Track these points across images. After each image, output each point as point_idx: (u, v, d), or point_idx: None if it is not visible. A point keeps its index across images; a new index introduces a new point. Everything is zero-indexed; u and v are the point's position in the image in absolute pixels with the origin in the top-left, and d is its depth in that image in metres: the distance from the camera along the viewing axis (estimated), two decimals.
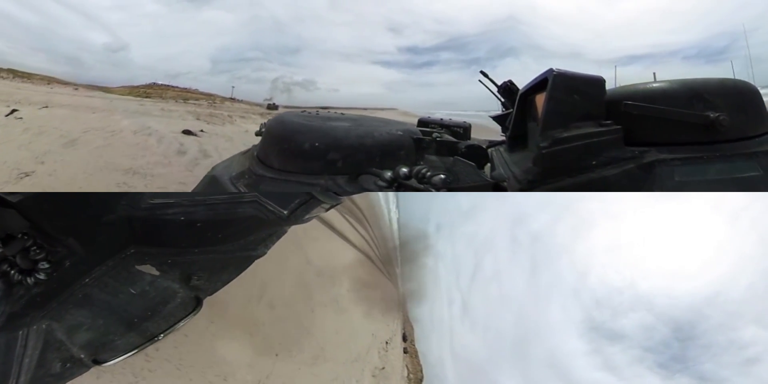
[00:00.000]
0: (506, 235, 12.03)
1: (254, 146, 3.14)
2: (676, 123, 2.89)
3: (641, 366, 10.70)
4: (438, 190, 2.28)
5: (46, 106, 17.67)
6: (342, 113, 3.23)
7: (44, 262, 2.29)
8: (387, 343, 10.49)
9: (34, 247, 2.25)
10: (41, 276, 2.31)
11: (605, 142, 2.86)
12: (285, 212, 2.59)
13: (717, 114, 2.84)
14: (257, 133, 3.31)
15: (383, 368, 9.82)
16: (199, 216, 2.60)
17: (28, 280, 2.30)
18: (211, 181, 3.07)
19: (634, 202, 10.48)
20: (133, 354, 2.59)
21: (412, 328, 12.31)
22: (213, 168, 3.31)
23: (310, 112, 3.17)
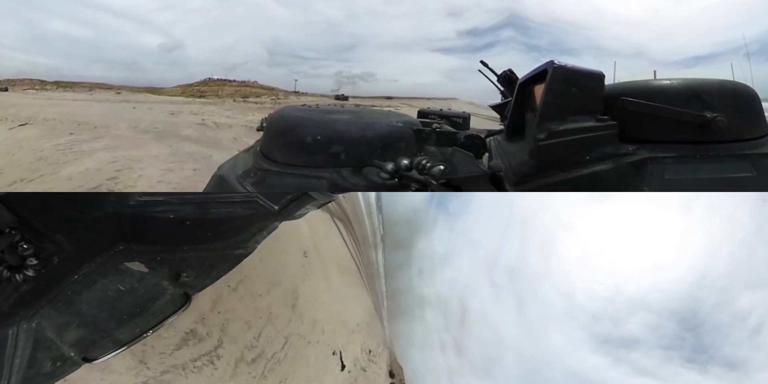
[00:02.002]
0: (485, 279, 12.04)
1: (257, 142, 3.18)
2: (672, 121, 2.91)
3: (673, 365, 10.67)
4: (437, 181, 2.32)
5: (25, 124, 14.54)
6: (342, 106, 3.29)
7: (33, 258, 2.29)
8: (370, 351, 10.39)
9: (22, 243, 2.26)
10: (30, 272, 2.31)
11: (600, 138, 2.89)
12: (276, 207, 2.61)
13: (714, 114, 2.85)
14: (258, 129, 3.35)
15: (364, 370, 9.73)
16: (189, 214, 2.62)
17: (17, 276, 2.31)
18: (219, 182, 3.10)
19: (579, 207, 10.62)
20: (121, 351, 2.59)
21: (401, 369, 12.19)
22: (219, 168, 3.34)
23: (310, 106, 3.21)
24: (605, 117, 2.91)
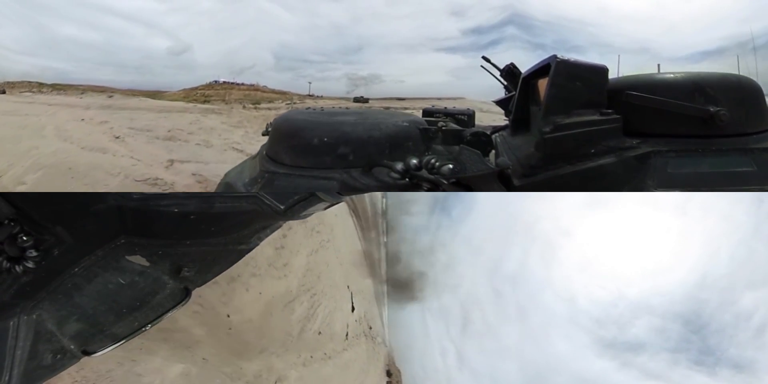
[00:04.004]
0: (487, 287, 11.91)
1: (263, 146, 3.20)
2: (675, 115, 2.91)
3: (681, 367, 10.61)
4: (447, 180, 2.34)
5: None
6: (347, 108, 3.34)
7: (32, 250, 2.29)
8: (371, 328, 10.92)
9: (22, 235, 2.26)
10: (30, 264, 2.31)
11: (605, 131, 2.89)
12: (282, 207, 2.59)
13: (717, 108, 2.85)
14: (264, 133, 3.38)
15: (365, 335, 10.22)
16: (193, 208, 2.60)
17: (17, 268, 2.32)
18: (225, 189, 3.13)
19: (577, 213, 10.51)
20: (120, 344, 2.59)
21: (399, 372, 12.20)
22: (226, 175, 3.38)
23: (314, 109, 3.24)
24: (609, 111, 2.92)
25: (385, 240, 12.47)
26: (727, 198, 9.56)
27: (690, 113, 2.88)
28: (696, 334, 10.25)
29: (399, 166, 2.43)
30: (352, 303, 10.04)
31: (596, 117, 2.90)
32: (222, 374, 6.22)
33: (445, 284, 12.06)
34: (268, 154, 2.93)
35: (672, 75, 3.06)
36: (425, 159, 2.43)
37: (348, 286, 9.99)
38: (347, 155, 2.63)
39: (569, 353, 11.09)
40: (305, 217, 2.83)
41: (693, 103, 2.88)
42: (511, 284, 11.66)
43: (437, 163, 2.39)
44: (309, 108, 3.36)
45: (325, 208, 2.90)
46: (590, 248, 10.73)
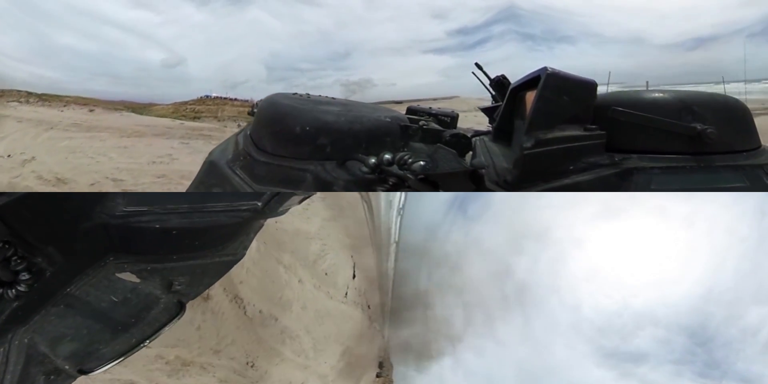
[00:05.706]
0: (494, 291, 11.98)
1: (248, 125, 3.20)
2: (662, 132, 2.92)
3: (684, 379, 10.65)
4: (416, 176, 2.35)
5: None
6: (333, 98, 3.28)
7: (25, 273, 2.28)
8: (369, 307, 11.62)
9: (15, 257, 2.25)
10: (22, 288, 2.29)
11: (586, 147, 2.88)
12: (259, 204, 2.62)
13: (705, 127, 2.85)
14: (250, 113, 3.34)
15: (363, 309, 10.98)
16: (174, 224, 2.62)
17: (10, 292, 2.30)
18: (209, 167, 3.10)
19: (594, 224, 10.68)
20: (120, 361, 2.58)
21: (391, 366, 12.21)
22: (210, 153, 3.33)
23: (301, 95, 3.21)
24: (593, 126, 2.92)
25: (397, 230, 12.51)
26: (731, 210, 9.73)
27: (677, 130, 2.88)
28: (701, 346, 10.31)
29: (372, 160, 2.43)
30: (354, 271, 10.85)
31: (579, 132, 2.88)
32: (273, 258, 8.25)
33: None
34: (252, 137, 2.91)
35: (659, 93, 3.08)
36: (399, 155, 2.43)
37: (351, 256, 10.91)
38: (325, 146, 2.62)
39: (567, 361, 11.10)
40: (282, 213, 2.86)
41: (680, 121, 2.88)
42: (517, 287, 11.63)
43: (410, 160, 2.39)
44: (296, 93, 3.27)
45: (299, 202, 2.95)
46: (598, 258, 10.73)
